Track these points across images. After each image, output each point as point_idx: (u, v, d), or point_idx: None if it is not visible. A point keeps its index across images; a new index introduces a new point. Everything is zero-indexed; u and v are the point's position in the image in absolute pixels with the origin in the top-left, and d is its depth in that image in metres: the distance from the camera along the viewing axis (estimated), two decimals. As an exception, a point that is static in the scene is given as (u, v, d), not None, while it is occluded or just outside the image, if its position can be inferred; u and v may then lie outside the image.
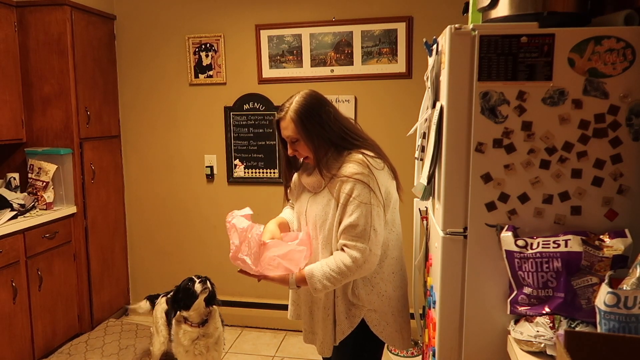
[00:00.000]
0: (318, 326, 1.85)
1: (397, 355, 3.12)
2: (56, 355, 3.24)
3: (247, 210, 1.84)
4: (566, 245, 1.42)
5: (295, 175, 1.94)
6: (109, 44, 3.71)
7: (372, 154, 1.75)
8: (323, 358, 1.98)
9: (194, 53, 3.64)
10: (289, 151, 1.80)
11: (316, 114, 1.73)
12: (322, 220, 1.75)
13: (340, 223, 1.70)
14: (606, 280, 1.24)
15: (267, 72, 3.54)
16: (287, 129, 1.75)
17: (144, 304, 3.26)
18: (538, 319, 1.43)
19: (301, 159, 1.87)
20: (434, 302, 1.76)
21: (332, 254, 1.74)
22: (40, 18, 3.25)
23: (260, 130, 3.61)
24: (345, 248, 1.69)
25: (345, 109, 3.40)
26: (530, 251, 1.45)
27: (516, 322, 1.49)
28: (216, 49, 3.60)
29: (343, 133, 1.76)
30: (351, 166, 1.69)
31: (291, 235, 1.88)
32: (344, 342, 1.81)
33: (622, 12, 1.53)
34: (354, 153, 1.73)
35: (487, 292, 1.57)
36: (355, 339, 1.80)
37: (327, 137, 1.74)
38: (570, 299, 1.41)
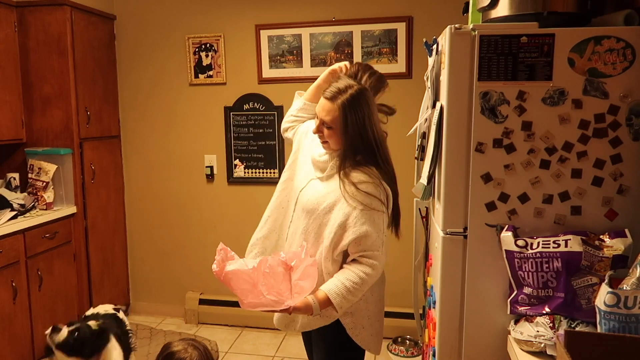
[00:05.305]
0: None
1: (397, 355, 3.12)
2: (56, 355, 3.25)
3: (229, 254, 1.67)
4: (566, 245, 1.42)
5: (308, 142, 1.86)
6: (109, 44, 3.71)
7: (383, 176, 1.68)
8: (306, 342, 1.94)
9: (194, 53, 3.64)
10: (315, 129, 1.73)
11: (363, 112, 1.66)
12: (312, 208, 1.70)
13: (344, 229, 1.64)
14: (606, 280, 1.24)
15: (267, 72, 3.54)
16: (330, 114, 1.66)
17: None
18: (538, 319, 1.43)
19: (321, 141, 1.77)
20: (434, 302, 1.76)
21: (340, 258, 1.70)
22: (40, 18, 3.25)
23: (260, 130, 3.60)
24: (363, 258, 1.65)
25: (345, 109, 3.40)
26: (530, 251, 1.45)
27: (516, 322, 1.49)
28: (216, 49, 3.60)
29: (375, 145, 1.68)
30: (360, 175, 1.65)
31: (291, 255, 1.74)
32: (325, 336, 1.78)
33: (622, 12, 1.53)
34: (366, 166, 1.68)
35: (487, 292, 1.57)
36: (336, 337, 1.76)
37: (360, 139, 1.67)
38: (570, 299, 1.42)
